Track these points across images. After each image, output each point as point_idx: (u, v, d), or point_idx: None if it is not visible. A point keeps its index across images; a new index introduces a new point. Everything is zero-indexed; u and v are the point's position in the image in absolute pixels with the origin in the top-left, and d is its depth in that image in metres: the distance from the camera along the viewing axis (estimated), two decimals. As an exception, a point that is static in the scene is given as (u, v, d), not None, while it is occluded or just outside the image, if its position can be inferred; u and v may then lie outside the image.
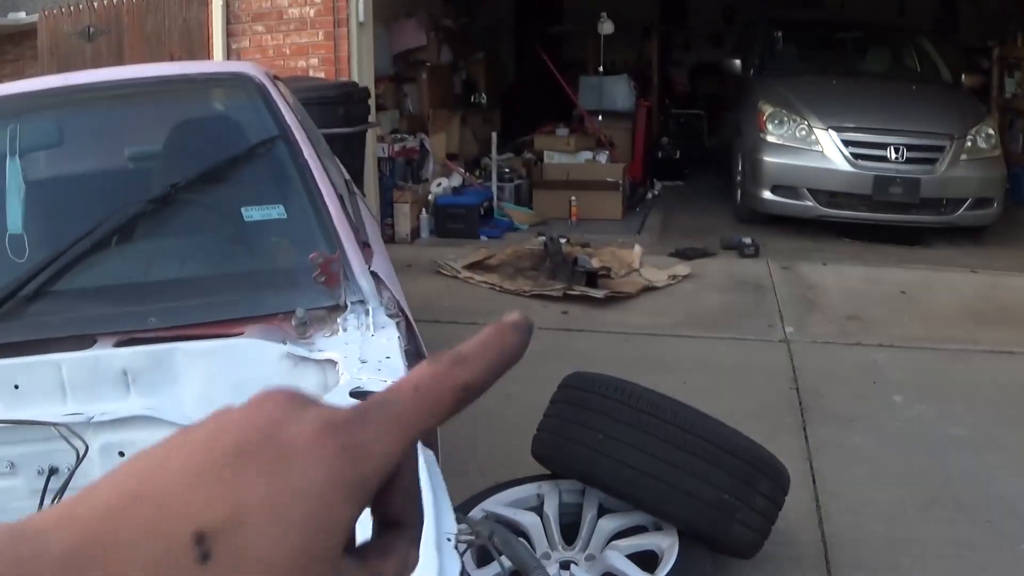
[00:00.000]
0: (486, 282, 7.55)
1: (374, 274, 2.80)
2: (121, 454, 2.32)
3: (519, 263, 7.95)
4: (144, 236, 2.92)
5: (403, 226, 8.94)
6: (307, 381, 2.37)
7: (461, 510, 3.19)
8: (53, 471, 2.33)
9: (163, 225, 2.95)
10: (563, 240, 8.10)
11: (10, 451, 2.36)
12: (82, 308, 2.72)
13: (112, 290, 2.83)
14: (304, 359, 2.42)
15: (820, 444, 4.85)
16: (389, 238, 8.81)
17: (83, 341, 2.51)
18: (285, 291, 2.72)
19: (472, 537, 2.03)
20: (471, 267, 7.90)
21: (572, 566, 3.55)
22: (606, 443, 3.47)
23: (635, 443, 3.41)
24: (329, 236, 2.82)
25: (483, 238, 8.98)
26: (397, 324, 2.58)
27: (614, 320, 6.79)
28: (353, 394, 2.14)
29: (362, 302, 2.65)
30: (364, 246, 2.98)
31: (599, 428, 3.51)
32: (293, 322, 2.53)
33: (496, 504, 3.75)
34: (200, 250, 3.09)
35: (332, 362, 2.37)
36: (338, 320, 2.58)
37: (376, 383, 2.19)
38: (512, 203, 9.89)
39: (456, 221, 9.15)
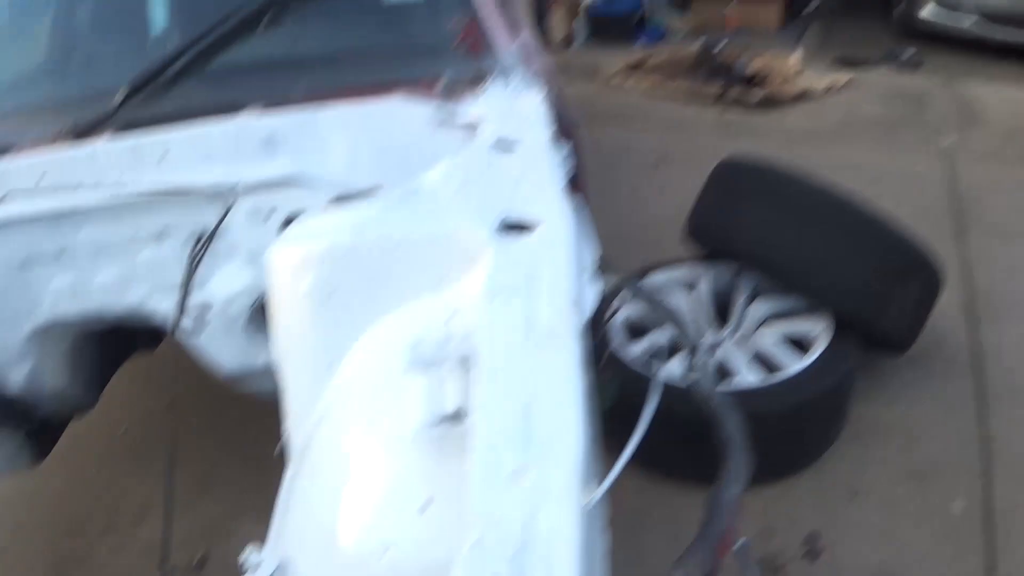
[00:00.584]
0: (642, 84, 7.50)
1: (520, 48, 2.80)
2: (268, 217, 2.39)
3: (675, 68, 7.84)
4: (288, 19, 2.87)
5: (557, 33, 8.83)
6: (450, 141, 2.35)
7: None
8: (201, 237, 2.41)
9: (308, 8, 2.92)
10: (721, 45, 7.96)
11: (161, 219, 2.43)
12: (229, 82, 2.71)
13: (258, 64, 2.82)
14: (448, 120, 2.43)
15: (978, 253, 4.73)
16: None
17: (230, 111, 2.51)
18: (431, 60, 2.71)
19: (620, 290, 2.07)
20: (627, 71, 7.83)
21: (723, 345, 3.64)
22: (758, 225, 3.47)
23: (787, 225, 3.40)
24: (471, 8, 2.83)
25: (637, 45, 8.86)
26: (545, 92, 2.57)
27: (770, 124, 6.67)
28: (495, 145, 2.17)
29: (506, 70, 2.65)
30: (511, 24, 2.99)
31: (753, 209, 3.51)
32: (439, 87, 2.54)
33: (650, 284, 3.85)
34: (346, 28, 3.05)
35: (475, 124, 2.37)
36: (482, 85, 2.58)
37: (518, 134, 2.22)
38: (667, 11, 9.68)
39: (609, 29, 8.97)
